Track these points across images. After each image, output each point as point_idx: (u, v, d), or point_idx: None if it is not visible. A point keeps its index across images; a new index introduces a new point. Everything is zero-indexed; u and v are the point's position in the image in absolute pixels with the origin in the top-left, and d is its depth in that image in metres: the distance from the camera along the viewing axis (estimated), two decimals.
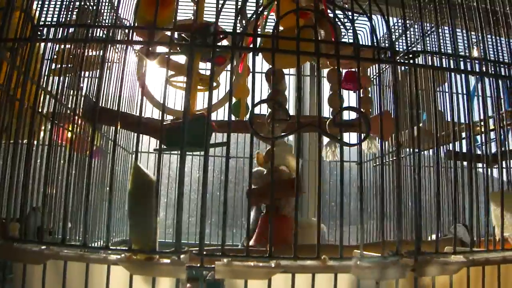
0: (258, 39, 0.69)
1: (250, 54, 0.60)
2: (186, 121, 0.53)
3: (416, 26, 0.99)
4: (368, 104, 0.91)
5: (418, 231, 0.54)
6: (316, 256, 0.50)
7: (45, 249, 0.49)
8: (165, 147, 0.86)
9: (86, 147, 0.93)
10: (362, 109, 0.94)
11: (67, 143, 0.89)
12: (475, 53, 0.85)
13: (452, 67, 0.60)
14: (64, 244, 0.50)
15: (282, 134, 0.53)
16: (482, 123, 0.67)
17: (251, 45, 0.57)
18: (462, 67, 0.62)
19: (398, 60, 0.58)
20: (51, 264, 0.50)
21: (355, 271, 0.49)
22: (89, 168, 0.66)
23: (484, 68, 0.63)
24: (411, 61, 0.57)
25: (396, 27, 1.11)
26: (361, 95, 0.91)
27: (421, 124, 1.04)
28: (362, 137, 0.55)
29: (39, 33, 0.54)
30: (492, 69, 0.61)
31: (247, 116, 1.04)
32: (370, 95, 0.91)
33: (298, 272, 0.49)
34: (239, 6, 0.59)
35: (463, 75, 0.61)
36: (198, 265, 0.51)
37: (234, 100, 0.98)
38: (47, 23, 0.60)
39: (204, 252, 0.51)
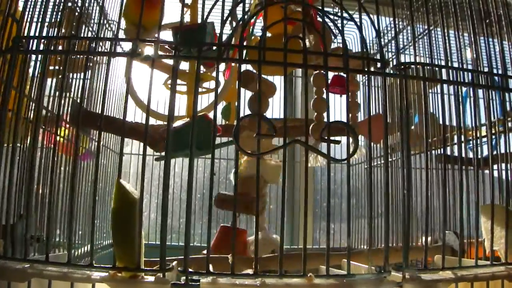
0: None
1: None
2: (171, 127, 0.52)
3: (408, 28, 0.98)
4: (355, 109, 0.90)
5: (406, 246, 0.53)
6: (302, 274, 0.50)
7: (29, 268, 0.48)
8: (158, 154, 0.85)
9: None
10: (349, 114, 0.94)
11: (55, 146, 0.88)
12: (468, 55, 0.84)
13: (444, 77, 0.59)
14: (48, 262, 0.50)
15: (268, 150, 0.52)
16: (474, 132, 0.67)
17: (238, 54, 0.55)
18: (455, 75, 0.61)
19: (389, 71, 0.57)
20: (35, 280, 0.49)
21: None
22: (73, 178, 0.64)
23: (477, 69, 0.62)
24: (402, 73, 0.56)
25: (387, 30, 1.10)
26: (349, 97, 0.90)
27: (412, 127, 1.04)
28: (351, 149, 0.54)
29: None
30: (484, 74, 0.60)
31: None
32: (357, 100, 0.90)
33: None
34: (225, 13, 0.57)
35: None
36: (183, 282, 0.50)
37: (224, 103, 0.97)
38: (34, 23, 0.59)
39: (190, 270, 0.50)
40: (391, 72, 0.58)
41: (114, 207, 0.48)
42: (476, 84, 0.58)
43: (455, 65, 0.70)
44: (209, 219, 0.51)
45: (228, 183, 1.43)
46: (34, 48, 0.54)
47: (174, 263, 0.60)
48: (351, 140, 0.55)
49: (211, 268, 0.69)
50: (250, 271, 0.88)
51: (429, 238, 1.01)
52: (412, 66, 0.57)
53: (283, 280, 0.49)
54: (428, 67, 0.76)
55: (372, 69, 0.58)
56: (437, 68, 0.64)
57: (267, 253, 0.89)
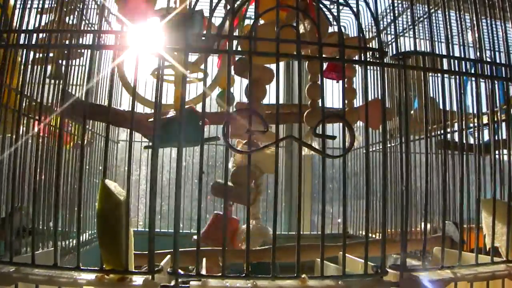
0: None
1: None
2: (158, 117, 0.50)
3: (408, 11, 0.94)
4: (351, 94, 0.87)
5: (404, 246, 0.51)
6: (295, 275, 0.48)
7: (14, 272, 0.47)
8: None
9: (68, 139, 0.91)
10: (345, 102, 0.91)
11: (49, 136, 0.86)
12: (469, 38, 0.81)
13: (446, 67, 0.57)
14: (34, 265, 0.48)
15: (259, 147, 0.50)
16: (475, 119, 0.64)
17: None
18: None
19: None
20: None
21: None
22: (58, 169, 0.62)
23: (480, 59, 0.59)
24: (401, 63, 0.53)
25: (385, 12, 1.06)
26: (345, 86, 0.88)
27: (412, 112, 1.01)
28: (347, 145, 0.51)
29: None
30: (487, 64, 0.57)
31: (234, 104, 1.01)
32: (353, 86, 0.87)
33: None
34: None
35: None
36: (173, 284, 0.49)
37: (219, 90, 0.94)
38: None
39: (180, 270, 0.49)
40: (390, 62, 0.55)
41: (98, 209, 0.47)
42: (479, 74, 0.55)
43: (456, 49, 0.67)
44: (198, 219, 0.49)
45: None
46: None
47: (165, 261, 0.59)
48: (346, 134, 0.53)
49: (204, 262, 0.68)
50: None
51: (428, 225, 1.00)
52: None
53: (275, 282, 0.48)
54: (428, 51, 0.73)
55: (369, 57, 0.55)
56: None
57: (258, 244, 0.88)
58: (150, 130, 0.82)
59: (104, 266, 0.47)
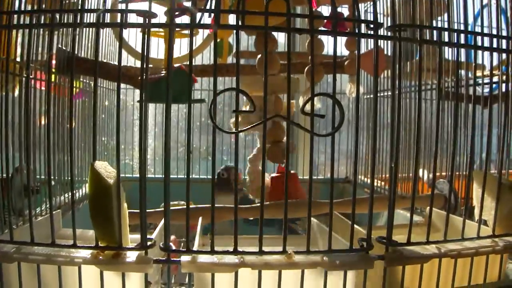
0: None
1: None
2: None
3: None
4: (353, 46, 0.84)
5: (390, 220, 0.52)
6: (282, 251, 0.49)
7: (14, 252, 0.49)
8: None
9: (66, 91, 0.91)
10: (349, 51, 0.89)
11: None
12: None
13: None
14: (33, 243, 0.50)
15: (248, 126, 0.49)
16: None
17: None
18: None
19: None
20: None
21: (321, 266, 0.49)
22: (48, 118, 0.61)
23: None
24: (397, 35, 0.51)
25: None
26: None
27: (414, 60, 0.98)
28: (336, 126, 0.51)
29: None
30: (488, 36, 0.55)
31: (231, 55, 0.98)
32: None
33: (263, 268, 0.49)
34: None
35: None
36: (165, 258, 0.51)
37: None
38: None
39: (171, 244, 0.51)
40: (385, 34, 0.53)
41: (90, 194, 0.48)
42: (477, 46, 0.52)
43: None
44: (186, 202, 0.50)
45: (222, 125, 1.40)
46: None
47: (159, 228, 0.61)
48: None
49: (199, 220, 0.69)
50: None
51: (425, 177, 1.00)
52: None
53: (262, 258, 0.49)
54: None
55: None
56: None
57: None
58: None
59: (99, 243, 0.50)
